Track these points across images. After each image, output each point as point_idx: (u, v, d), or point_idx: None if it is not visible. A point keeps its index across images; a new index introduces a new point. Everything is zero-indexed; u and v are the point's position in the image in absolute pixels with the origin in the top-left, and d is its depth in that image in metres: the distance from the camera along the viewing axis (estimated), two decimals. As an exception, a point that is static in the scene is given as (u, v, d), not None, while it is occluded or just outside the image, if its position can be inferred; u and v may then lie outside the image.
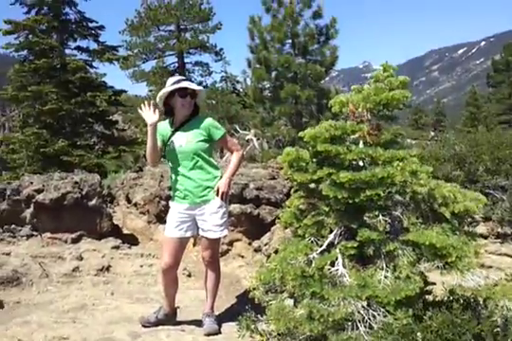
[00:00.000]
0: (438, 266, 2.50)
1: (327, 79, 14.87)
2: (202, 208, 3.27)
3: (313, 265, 2.54)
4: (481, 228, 5.36)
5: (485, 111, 32.31)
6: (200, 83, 29.41)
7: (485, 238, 5.33)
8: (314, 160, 2.82)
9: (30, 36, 14.88)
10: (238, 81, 26.87)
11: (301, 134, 2.83)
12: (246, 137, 16.89)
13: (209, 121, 3.28)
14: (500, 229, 5.36)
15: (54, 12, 15.16)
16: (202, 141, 3.24)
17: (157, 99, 3.33)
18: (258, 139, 15.76)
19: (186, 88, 3.25)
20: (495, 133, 7.63)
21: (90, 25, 15.77)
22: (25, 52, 15.23)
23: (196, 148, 3.22)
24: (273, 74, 13.08)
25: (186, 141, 3.24)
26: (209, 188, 3.25)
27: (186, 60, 28.90)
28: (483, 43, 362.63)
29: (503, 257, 4.99)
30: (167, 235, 3.36)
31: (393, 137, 2.91)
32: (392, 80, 2.85)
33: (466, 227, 2.92)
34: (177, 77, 3.48)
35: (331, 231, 2.78)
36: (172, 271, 3.37)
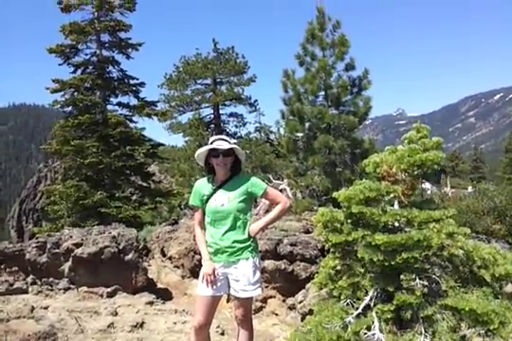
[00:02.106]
0: (480, 334, 2.39)
1: (360, 126, 14.97)
2: (235, 268, 3.27)
3: (349, 330, 2.48)
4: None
5: (526, 157, 31.52)
6: (235, 134, 30.15)
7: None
8: (349, 221, 2.82)
9: (75, 93, 15.83)
10: (272, 132, 27.36)
11: (335, 194, 2.86)
12: (280, 187, 16.94)
13: (250, 180, 3.29)
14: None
15: (98, 71, 16.16)
16: (242, 201, 3.25)
17: (196, 158, 3.44)
18: (291, 189, 15.79)
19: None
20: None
21: (131, 82, 16.66)
22: (70, 108, 16.15)
23: (236, 208, 3.24)
24: (306, 125, 13.28)
25: (228, 200, 3.25)
26: (243, 248, 3.24)
27: (221, 111, 29.84)
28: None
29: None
30: (199, 293, 3.36)
31: (427, 198, 2.90)
32: (425, 142, 2.89)
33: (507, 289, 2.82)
34: (215, 136, 3.54)
35: (366, 293, 2.73)
36: (203, 330, 3.32)
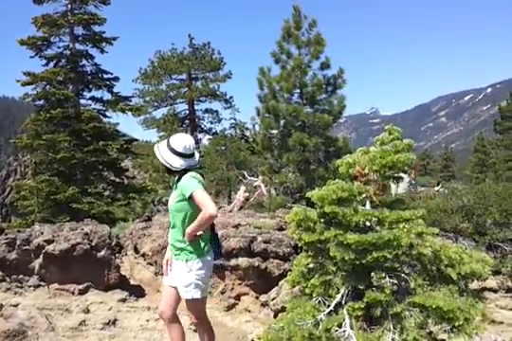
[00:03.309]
0: (445, 330, 2.48)
1: (335, 124, 15.12)
2: (176, 265, 3.31)
3: (320, 327, 2.54)
4: (490, 282, 5.28)
5: (494, 157, 32.38)
6: (210, 130, 30.07)
7: (495, 292, 5.25)
8: (321, 220, 2.87)
9: (48, 87, 15.48)
10: (247, 128, 27.40)
11: (308, 194, 2.91)
12: (255, 184, 17.05)
13: (183, 181, 3.24)
14: (510, 283, 5.28)
15: (71, 65, 15.83)
16: (179, 201, 3.25)
17: None
18: (266, 186, 15.87)
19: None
20: (503, 184, 7.65)
21: (105, 76, 16.37)
22: (41, 102, 15.78)
23: (175, 208, 3.28)
24: (281, 122, 13.35)
25: (171, 200, 3.34)
26: (180, 248, 3.25)
27: (196, 107, 29.74)
28: (489, 89, 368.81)
29: (515, 312, 4.88)
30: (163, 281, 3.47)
31: (397, 197, 2.98)
32: (397, 143, 2.96)
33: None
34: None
35: (338, 291, 2.79)
36: (168, 319, 3.35)
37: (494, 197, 6.24)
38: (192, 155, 3.35)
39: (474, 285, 5.19)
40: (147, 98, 28.62)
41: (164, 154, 3.29)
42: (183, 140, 3.30)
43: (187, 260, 3.22)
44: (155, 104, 29.25)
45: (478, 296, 2.72)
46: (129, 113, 16.65)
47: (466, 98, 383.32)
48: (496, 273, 5.38)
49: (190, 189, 3.16)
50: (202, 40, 32.78)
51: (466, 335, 2.42)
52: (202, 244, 3.27)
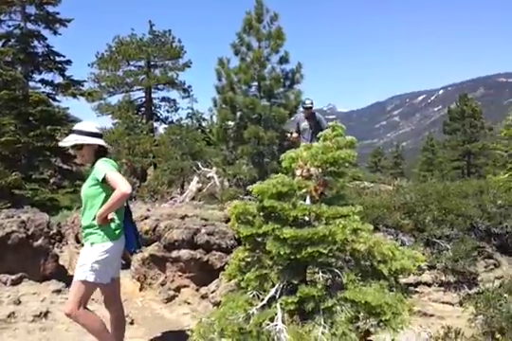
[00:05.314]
0: (372, 324, 2.53)
1: (291, 119, 15.25)
2: (83, 250, 3.33)
3: (251, 321, 2.53)
4: (426, 276, 5.49)
5: (441, 156, 33.70)
6: (166, 119, 29.60)
7: (429, 286, 5.45)
8: (261, 214, 2.86)
9: (-6, 67, 14.70)
10: (204, 119, 27.12)
11: (249, 188, 2.88)
12: (208, 175, 16.93)
13: (96, 165, 3.28)
14: (443, 277, 5.50)
15: (21, 45, 15.10)
16: (92, 186, 3.27)
17: None
18: (219, 177, 15.81)
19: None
20: (444, 183, 7.94)
21: (57, 59, 15.75)
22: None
23: (86, 193, 3.30)
24: (238, 114, 13.30)
25: (84, 186, 3.36)
26: (88, 233, 3.25)
27: (153, 95, 29.17)
28: (441, 91, 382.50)
29: (445, 305, 5.09)
30: None
31: (338, 193, 3.00)
32: (339, 140, 2.97)
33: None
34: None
35: (273, 285, 2.79)
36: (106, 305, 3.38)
37: (435, 195, 6.47)
38: (102, 136, 3.46)
39: (410, 279, 5.39)
40: (102, 84, 27.76)
41: (81, 139, 3.34)
42: (91, 123, 3.50)
43: (92, 244, 3.21)
44: (111, 90, 28.41)
45: (407, 291, 2.79)
46: (81, 98, 16.10)
47: (420, 98, 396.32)
48: (431, 268, 5.60)
49: (102, 172, 3.19)
50: (163, 27, 32.11)
51: (391, 330, 2.48)
52: (113, 228, 3.25)
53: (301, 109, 9.60)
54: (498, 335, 3.53)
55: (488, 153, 27.88)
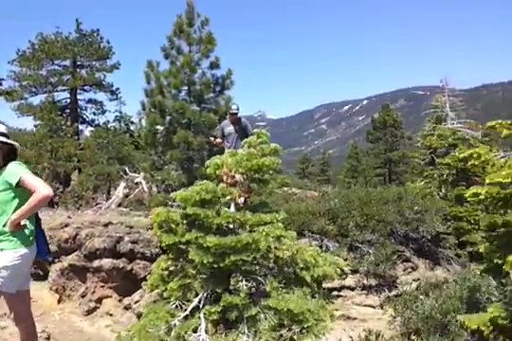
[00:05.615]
0: (294, 332, 2.56)
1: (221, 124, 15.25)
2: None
3: (173, 333, 2.46)
4: (349, 281, 5.68)
5: (364, 164, 35.26)
6: (93, 121, 28.40)
7: (352, 289, 5.65)
8: (184, 222, 2.81)
9: None
10: (132, 122, 26.35)
11: (172, 195, 2.82)
12: (136, 180, 16.47)
13: (7, 168, 3.08)
14: (365, 281, 5.72)
15: None
16: (2, 191, 3.06)
17: None
18: (147, 183, 15.43)
19: None
20: (366, 190, 8.28)
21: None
22: None
23: None
24: (167, 119, 13.09)
25: None
26: (2, 239, 3.02)
27: (79, 96, 27.87)
28: (365, 101, 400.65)
29: (367, 308, 5.30)
30: None
31: (262, 200, 3.02)
32: (264, 147, 3.00)
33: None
34: None
35: (197, 295, 2.74)
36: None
37: (357, 202, 6.72)
38: (8, 138, 3.28)
39: (335, 284, 5.55)
40: (24, 83, 26.14)
41: None
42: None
43: (2, 250, 2.99)
44: (33, 90, 26.76)
45: (329, 296, 2.85)
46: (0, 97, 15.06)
47: (346, 107, 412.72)
48: (355, 272, 5.80)
49: (17, 175, 3.00)
50: (90, 27, 30.87)
51: (313, 336, 2.51)
52: (27, 234, 3.06)
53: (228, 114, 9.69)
54: (413, 337, 3.71)
55: (408, 161, 29.55)
